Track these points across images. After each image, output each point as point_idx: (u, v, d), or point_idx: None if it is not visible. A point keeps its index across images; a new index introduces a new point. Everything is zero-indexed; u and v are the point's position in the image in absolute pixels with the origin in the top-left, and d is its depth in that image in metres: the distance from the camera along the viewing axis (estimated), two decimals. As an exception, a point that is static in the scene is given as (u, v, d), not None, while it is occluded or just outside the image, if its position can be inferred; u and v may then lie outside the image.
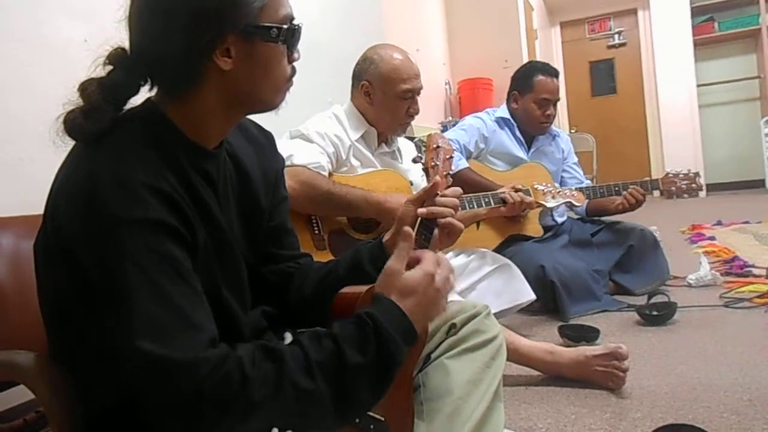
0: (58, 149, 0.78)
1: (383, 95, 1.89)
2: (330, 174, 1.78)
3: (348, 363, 0.75)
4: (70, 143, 0.78)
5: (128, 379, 0.70)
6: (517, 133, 2.75)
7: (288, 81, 0.88)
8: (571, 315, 2.40)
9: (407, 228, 0.91)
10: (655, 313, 2.28)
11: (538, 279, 2.36)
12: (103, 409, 0.80)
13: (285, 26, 0.83)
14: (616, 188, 2.56)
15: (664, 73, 7.24)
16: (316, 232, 1.76)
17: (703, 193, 6.78)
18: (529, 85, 2.70)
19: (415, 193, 1.87)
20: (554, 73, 2.72)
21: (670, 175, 2.55)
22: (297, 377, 0.72)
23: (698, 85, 7.15)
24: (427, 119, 4.58)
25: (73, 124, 0.76)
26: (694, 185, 2.53)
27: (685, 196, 2.52)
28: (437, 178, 1.03)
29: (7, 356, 0.85)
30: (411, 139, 2.85)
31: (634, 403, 1.58)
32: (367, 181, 1.82)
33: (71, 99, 0.77)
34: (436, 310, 0.87)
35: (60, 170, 0.79)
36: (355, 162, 1.88)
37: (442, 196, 1.03)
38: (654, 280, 2.68)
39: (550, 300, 2.43)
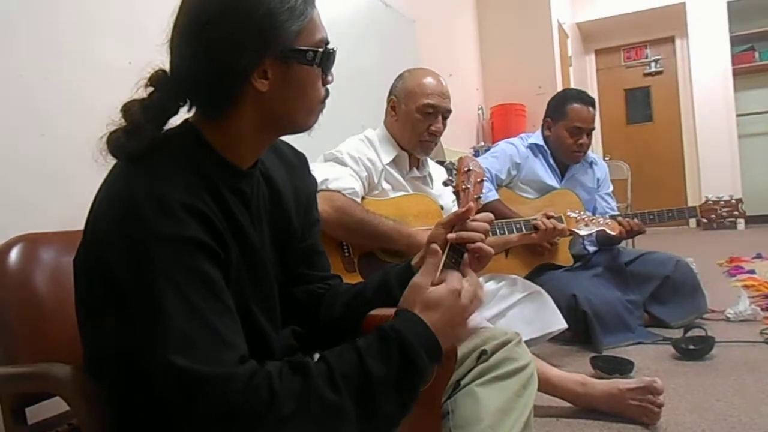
0: (100, 167, 0.81)
1: (406, 108, 1.90)
2: (362, 198, 1.79)
3: (372, 375, 0.75)
4: (112, 161, 0.81)
5: (160, 392, 0.71)
6: (551, 160, 2.71)
7: (321, 103, 0.90)
8: (604, 346, 2.34)
9: (434, 245, 0.91)
10: (691, 347, 2.22)
11: (570, 309, 2.32)
12: (136, 422, 0.81)
13: (320, 50, 0.85)
14: (651, 216, 2.45)
15: (703, 103, 7.10)
16: (347, 254, 1.76)
17: (742, 225, 6.61)
18: (562, 113, 2.65)
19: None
20: (589, 102, 2.65)
21: (710, 201, 2.40)
22: (323, 391, 0.73)
23: (738, 115, 7.00)
24: (459, 144, 4.58)
25: (116, 143, 0.78)
26: (736, 213, 2.37)
27: (727, 223, 2.38)
28: (470, 204, 1.02)
29: (45, 368, 0.87)
30: (441, 163, 2.85)
31: (669, 439, 1.53)
32: (399, 204, 1.83)
33: (114, 119, 0.80)
34: (463, 327, 0.87)
35: (100, 188, 0.81)
36: (386, 186, 1.88)
37: (473, 220, 1.02)
38: (691, 314, 2.60)
39: (582, 330, 2.38)
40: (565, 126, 2.63)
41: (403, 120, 1.92)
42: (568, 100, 2.66)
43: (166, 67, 0.84)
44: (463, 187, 1.04)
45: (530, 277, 2.37)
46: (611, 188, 2.92)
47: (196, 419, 0.70)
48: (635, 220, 2.42)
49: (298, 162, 1.07)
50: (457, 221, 1.02)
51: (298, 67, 0.83)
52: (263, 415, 0.70)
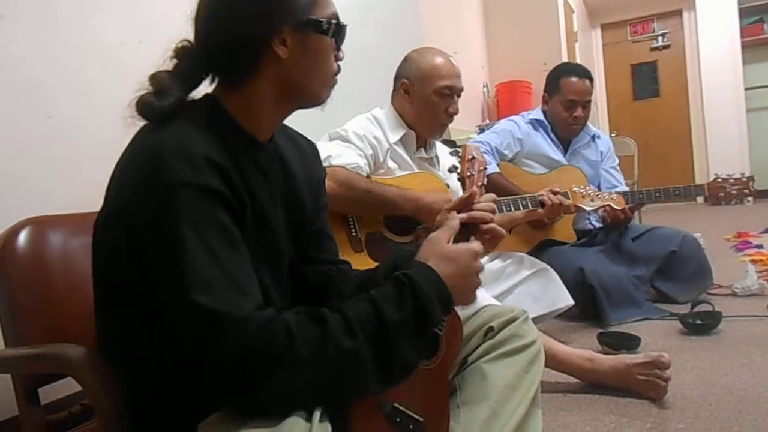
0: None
1: (422, 91, 1.89)
2: (368, 176, 1.79)
3: (386, 320, 0.79)
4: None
5: (181, 334, 0.74)
6: (552, 134, 2.73)
7: (334, 77, 0.95)
8: (612, 321, 2.35)
9: (454, 212, 0.97)
10: (698, 322, 2.22)
11: (577, 283, 2.32)
12: (148, 401, 0.82)
13: (334, 21, 0.91)
14: (657, 194, 2.42)
15: (711, 76, 7.02)
16: (353, 233, 1.77)
17: (750, 200, 6.53)
18: (556, 87, 2.68)
19: (452, 197, 1.88)
20: (583, 74, 2.65)
21: (719, 179, 2.36)
22: (339, 337, 0.76)
23: (746, 89, 6.91)
24: (464, 122, 4.55)
25: (144, 104, 0.83)
26: (746, 191, 2.32)
27: (734, 202, 2.34)
28: (474, 188, 1.06)
29: (57, 349, 0.88)
30: (451, 143, 2.84)
31: (676, 413, 1.54)
32: (405, 183, 1.82)
33: (142, 86, 0.85)
34: (474, 287, 0.91)
35: (125, 150, 0.85)
36: (392, 164, 1.88)
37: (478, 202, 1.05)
38: (697, 288, 2.61)
39: (589, 305, 2.39)
40: (559, 100, 2.66)
41: (420, 104, 1.90)
42: (562, 73, 2.69)
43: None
44: (468, 174, 1.10)
45: (534, 253, 2.38)
46: (617, 161, 2.91)
47: (214, 360, 0.72)
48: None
49: (310, 149, 1.11)
50: (463, 205, 1.06)
51: (314, 36, 0.89)
52: (281, 358, 0.72)
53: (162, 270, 0.75)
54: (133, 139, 0.85)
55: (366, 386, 0.78)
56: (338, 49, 0.94)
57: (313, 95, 0.94)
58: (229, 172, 0.80)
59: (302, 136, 1.11)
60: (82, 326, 1.00)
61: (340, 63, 0.95)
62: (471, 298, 0.93)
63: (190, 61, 0.87)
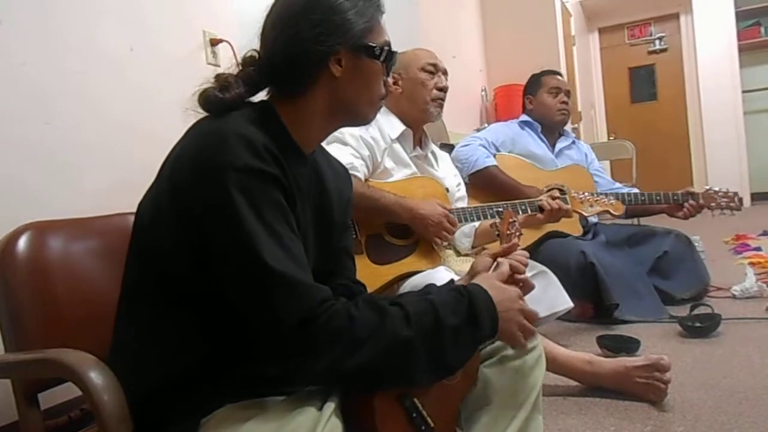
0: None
1: (408, 74, 1.97)
2: (366, 179, 1.79)
3: (442, 323, 0.84)
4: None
5: (249, 298, 0.78)
6: (540, 135, 2.91)
7: (380, 100, 1.01)
8: (614, 300, 2.38)
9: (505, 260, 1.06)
10: (698, 324, 2.22)
11: (579, 265, 2.41)
12: (153, 407, 0.82)
13: (386, 48, 0.97)
14: (657, 198, 2.56)
15: (708, 79, 7.03)
16: (354, 236, 1.77)
17: (747, 203, 6.56)
18: (538, 84, 2.95)
19: (450, 201, 1.89)
20: (558, 73, 3.03)
21: (711, 191, 2.54)
22: (397, 325, 0.81)
23: (743, 92, 6.92)
24: (462, 125, 4.56)
25: (206, 95, 0.89)
26: (732, 204, 2.51)
27: (725, 213, 2.52)
28: (515, 240, 1.17)
29: (58, 354, 0.87)
30: (450, 147, 2.87)
31: (676, 416, 1.54)
32: (405, 187, 1.83)
33: (209, 79, 0.92)
34: (518, 323, 0.96)
35: (180, 140, 0.89)
36: (389, 164, 1.88)
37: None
38: (695, 285, 2.66)
39: (591, 286, 2.41)
40: (545, 91, 2.92)
41: (409, 87, 1.96)
42: (540, 75, 3.01)
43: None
44: (507, 233, 1.22)
45: (538, 242, 2.49)
46: (599, 164, 3.14)
47: (281, 321, 0.76)
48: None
49: (343, 171, 1.16)
50: (503, 254, 1.12)
51: (367, 60, 0.95)
52: (341, 334, 0.77)
53: (226, 246, 0.78)
54: (191, 128, 0.89)
55: (414, 377, 0.82)
56: (387, 74, 1.01)
57: (360, 114, 1.00)
58: (284, 166, 0.84)
59: (337, 160, 1.16)
60: (82, 331, 1.00)
61: (388, 88, 1.02)
62: (517, 339, 0.97)
63: (255, 68, 0.94)
